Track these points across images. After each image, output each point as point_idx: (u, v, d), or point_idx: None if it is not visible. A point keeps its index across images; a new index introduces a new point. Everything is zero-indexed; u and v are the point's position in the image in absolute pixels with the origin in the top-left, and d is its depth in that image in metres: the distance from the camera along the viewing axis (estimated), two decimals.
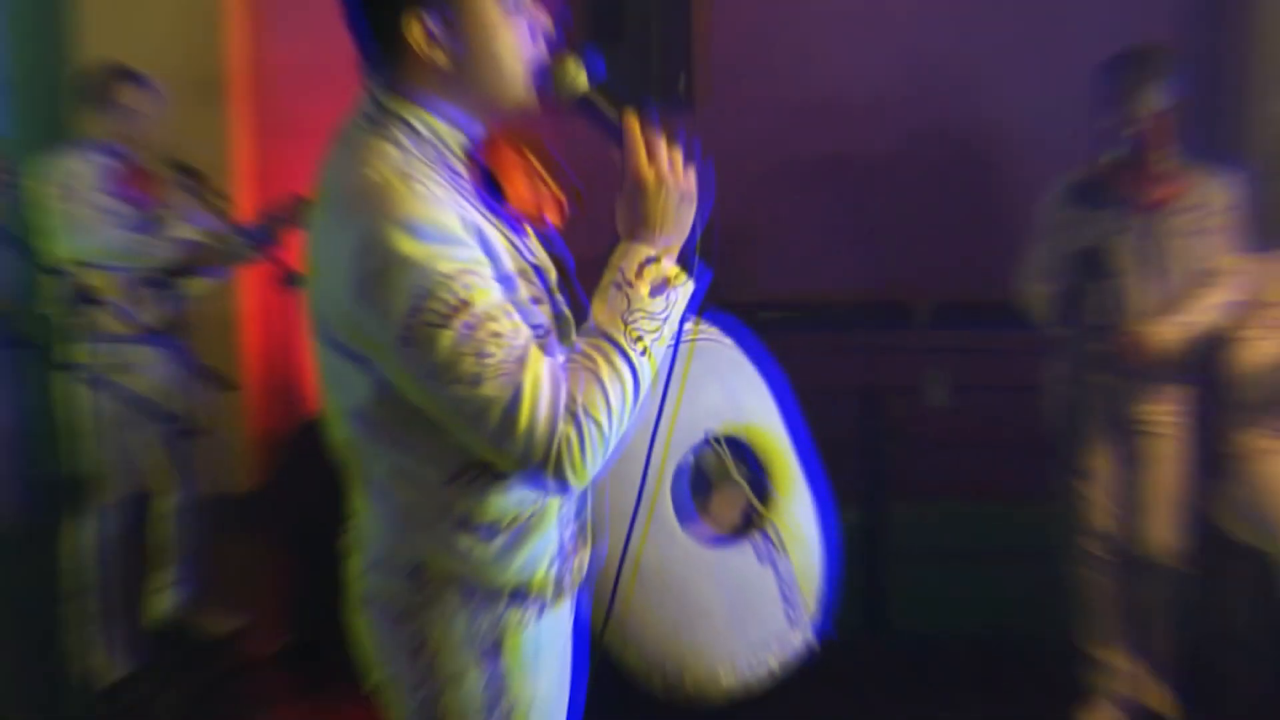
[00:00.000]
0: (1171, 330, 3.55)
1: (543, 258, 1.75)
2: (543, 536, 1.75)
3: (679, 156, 1.66)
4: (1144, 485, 3.70)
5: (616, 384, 1.57)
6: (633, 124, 1.67)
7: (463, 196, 1.62)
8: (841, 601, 4.25)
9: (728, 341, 2.19)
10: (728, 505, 2.16)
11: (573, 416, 1.53)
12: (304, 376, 5.68)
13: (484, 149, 1.72)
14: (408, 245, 1.49)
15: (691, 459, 2.12)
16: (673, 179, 1.64)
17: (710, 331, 2.14)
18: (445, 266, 1.50)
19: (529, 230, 1.75)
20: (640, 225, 1.65)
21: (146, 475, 4.37)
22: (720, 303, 4.89)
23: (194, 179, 4.18)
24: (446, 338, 1.49)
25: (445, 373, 1.51)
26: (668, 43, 4.81)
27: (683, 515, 2.08)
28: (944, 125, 5.21)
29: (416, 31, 1.62)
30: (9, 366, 4.95)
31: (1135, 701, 3.79)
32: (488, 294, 1.52)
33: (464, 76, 1.65)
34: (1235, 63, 5.03)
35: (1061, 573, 3.78)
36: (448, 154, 1.66)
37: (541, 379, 1.52)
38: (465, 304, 1.50)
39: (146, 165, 4.26)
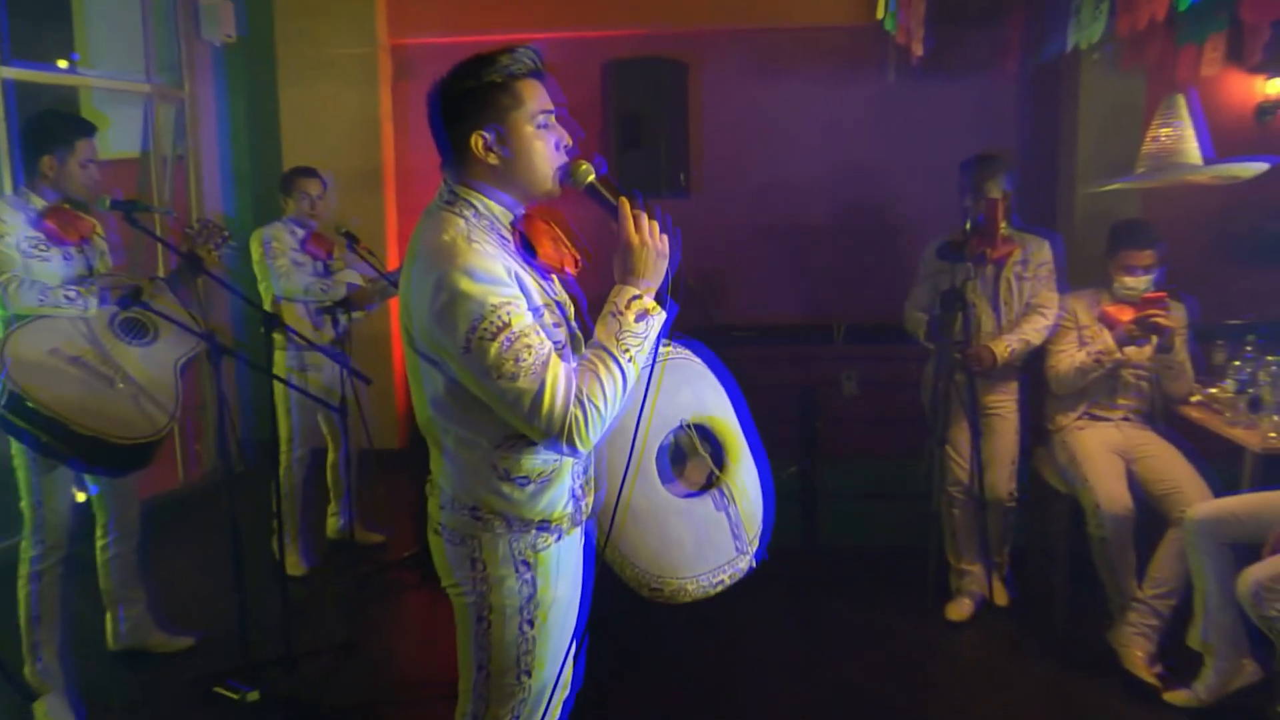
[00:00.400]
0: (1006, 345, 3.55)
1: (563, 296, 1.83)
2: (560, 484, 1.81)
3: (656, 227, 1.71)
4: (990, 449, 3.69)
5: (610, 380, 1.64)
6: (625, 205, 1.73)
7: (508, 253, 1.69)
8: (787, 526, 4.31)
9: (695, 359, 2.21)
10: (695, 471, 2.17)
11: (580, 403, 1.61)
12: None
13: (523, 221, 1.80)
14: (468, 285, 1.59)
15: (671, 439, 2.13)
16: (651, 243, 1.70)
17: (682, 351, 2.17)
18: (494, 300, 1.59)
19: (554, 277, 1.83)
20: (629, 273, 1.71)
21: (321, 438, 4.45)
22: (707, 324, 4.97)
23: (355, 241, 4.20)
24: (494, 348, 1.58)
25: (493, 372, 1.59)
26: (672, 149, 4.82)
27: (664, 476, 2.09)
28: (859, 202, 5.21)
29: (478, 143, 1.72)
30: (228, 369, 4.92)
31: (983, 596, 3.78)
32: (522, 319, 1.61)
33: (510, 173, 1.74)
34: (1053, 161, 5.00)
35: (934, 508, 3.76)
36: (499, 225, 1.75)
37: (559, 377, 1.61)
38: (506, 325, 1.59)
39: (323, 232, 4.29)
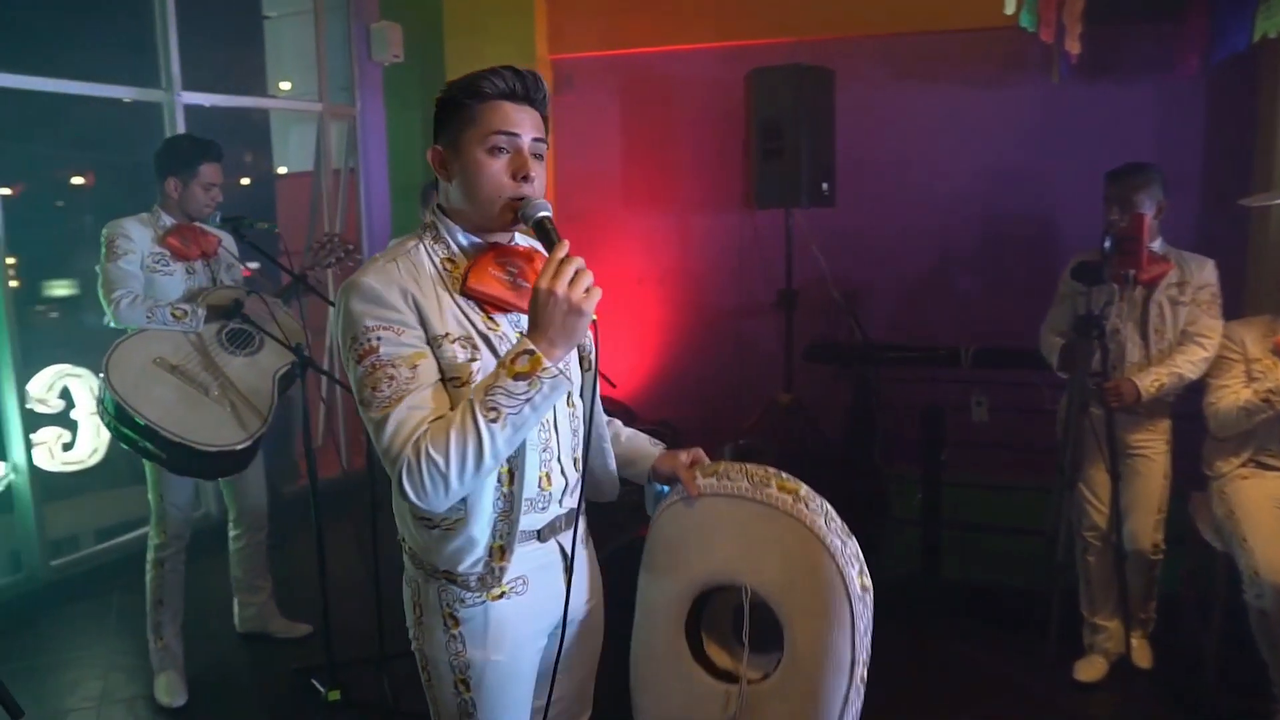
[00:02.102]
0: (1154, 379, 2.99)
1: (502, 331, 1.55)
2: (462, 537, 1.55)
3: (582, 283, 1.39)
4: (1132, 494, 3.13)
5: (459, 437, 1.40)
6: (555, 251, 1.43)
7: (434, 280, 1.51)
8: (907, 554, 3.90)
9: (818, 514, 1.68)
10: (725, 651, 1.82)
11: (416, 449, 1.41)
12: None
13: (476, 256, 1.56)
14: (352, 302, 1.48)
15: (729, 597, 1.77)
16: (563, 295, 1.38)
17: (814, 499, 1.69)
18: (368, 321, 1.46)
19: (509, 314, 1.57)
20: (531, 326, 1.42)
21: None
22: (849, 340, 4.59)
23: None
24: (358, 371, 1.47)
25: (357, 394, 1.48)
26: (815, 158, 4.45)
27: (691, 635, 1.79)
28: (1005, 215, 4.66)
29: (433, 158, 1.58)
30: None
31: (1119, 656, 3.23)
32: (393, 347, 1.45)
33: (461, 196, 1.54)
34: (1242, 172, 4.25)
35: (1058, 555, 3.25)
36: (455, 254, 1.56)
37: (406, 417, 1.43)
38: (373, 349, 1.45)
39: None
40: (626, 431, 1.87)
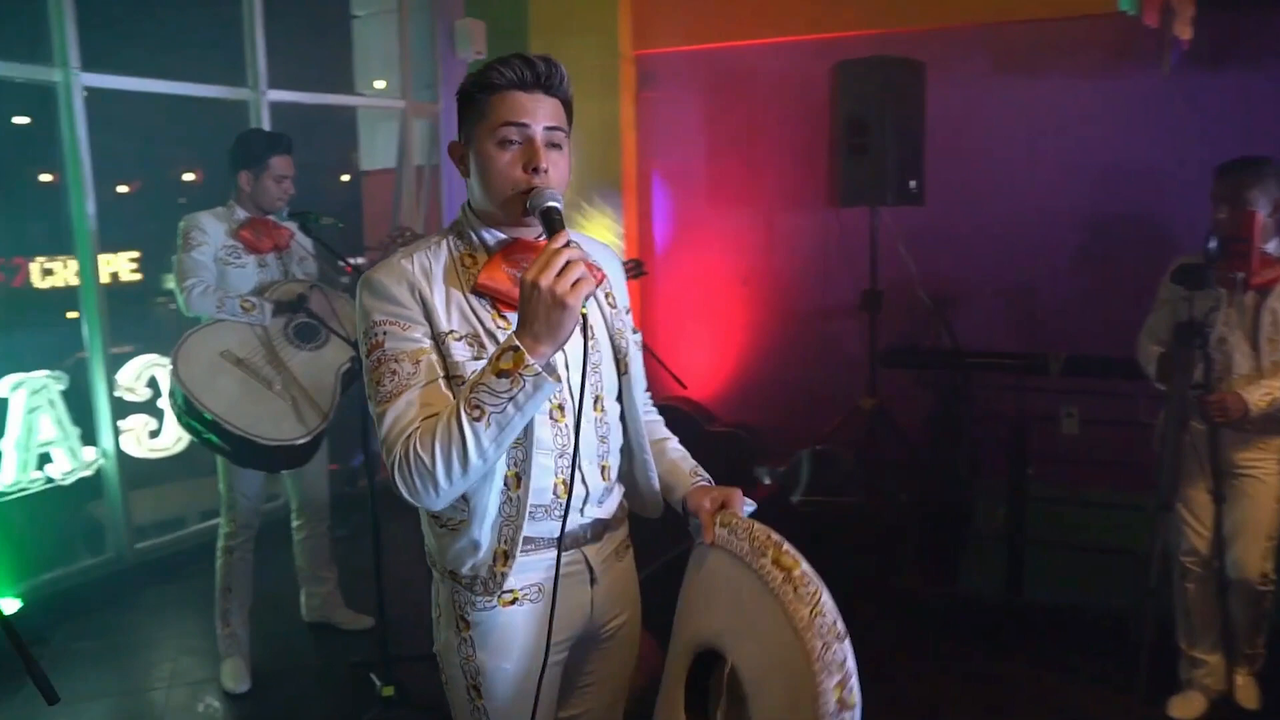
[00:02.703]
0: (1265, 394, 2.72)
1: (512, 329, 1.44)
2: (465, 539, 1.52)
3: (569, 277, 1.30)
4: (1238, 518, 2.87)
5: (444, 434, 1.36)
6: (553, 240, 1.35)
7: (449, 277, 1.49)
8: (989, 571, 3.68)
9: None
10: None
11: (406, 446, 1.38)
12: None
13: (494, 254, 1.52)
14: (363, 297, 1.48)
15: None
16: (548, 288, 1.29)
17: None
18: (376, 315, 1.46)
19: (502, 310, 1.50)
20: (518, 321, 1.35)
21: None
22: (936, 346, 4.38)
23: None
24: (367, 364, 1.47)
25: (366, 386, 1.48)
26: (902, 154, 4.26)
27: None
28: (1097, 216, 4.37)
29: (455, 153, 1.56)
30: None
31: (1221, 694, 2.97)
32: (396, 342, 1.44)
33: (477, 190, 1.51)
34: None
35: (1150, 581, 3.00)
36: (478, 250, 1.53)
37: (401, 411, 1.41)
38: (379, 344, 1.45)
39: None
40: (676, 453, 1.76)
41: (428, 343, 1.45)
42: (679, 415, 4.88)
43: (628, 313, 1.72)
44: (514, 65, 1.46)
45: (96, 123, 3.87)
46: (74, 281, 3.98)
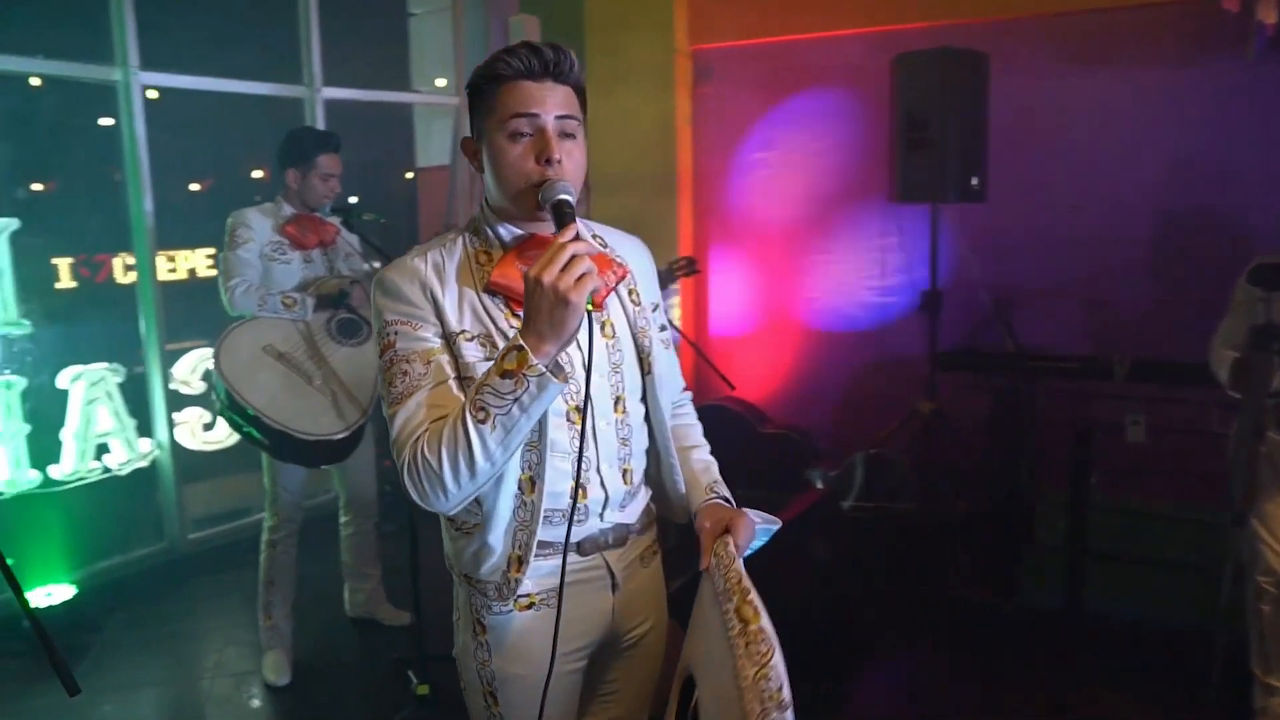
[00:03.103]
0: None
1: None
2: (478, 542, 1.48)
3: (574, 272, 1.25)
4: None
5: (452, 438, 1.32)
6: (560, 234, 1.30)
7: (463, 275, 1.46)
8: (1048, 584, 3.52)
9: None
10: None
11: (415, 449, 1.35)
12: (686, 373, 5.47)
13: (509, 250, 1.48)
14: (376, 296, 1.46)
15: None
16: (549, 283, 1.24)
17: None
18: (388, 315, 1.44)
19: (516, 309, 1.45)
20: (523, 320, 1.30)
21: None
22: (998, 349, 4.22)
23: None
24: (380, 363, 1.45)
25: (379, 386, 1.50)
26: (964, 149, 4.11)
27: None
28: (1172, 213, 4.15)
29: (467, 149, 1.52)
30: None
31: None
32: (407, 342, 1.41)
33: (492, 186, 1.47)
34: None
35: (1221, 602, 2.82)
36: (493, 247, 1.49)
37: (411, 413, 1.38)
38: (391, 344, 1.43)
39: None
40: (699, 463, 1.69)
41: (439, 343, 1.41)
42: (730, 415, 4.79)
43: (655, 309, 1.65)
44: (520, 54, 1.41)
45: (164, 122, 3.95)
46: (162, 277, 4.08)
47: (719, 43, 5.29)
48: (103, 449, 3.89)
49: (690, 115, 5.44)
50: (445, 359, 1.41)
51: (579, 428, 1.47)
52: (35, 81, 4.02)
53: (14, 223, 3.60)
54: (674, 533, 1.75)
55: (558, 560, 1.48)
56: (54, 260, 4.38)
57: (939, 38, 4.20)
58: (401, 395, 1.38)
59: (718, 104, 5.36)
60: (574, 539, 1.51)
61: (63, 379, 3.78)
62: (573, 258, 1.26)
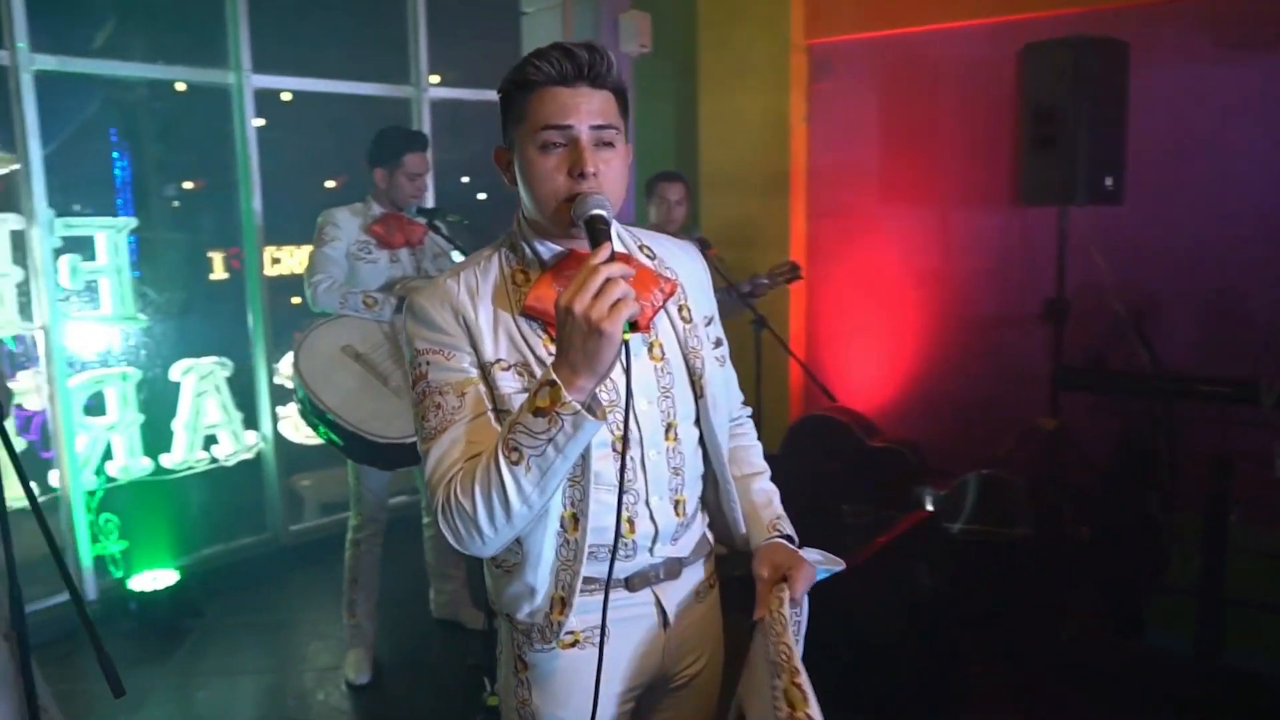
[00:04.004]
0: None
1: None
2: (519, 582, 1.38)
3: (607, 299, 1.13)
4: None
5: (485, 481, 1.22)
6: (593, 255, 1.18)
7: (499, 297, 1.35)
8: (1178, 631, 3.18)
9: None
10: None
11: (448, 490, 1.26)
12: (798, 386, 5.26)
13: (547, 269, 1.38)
14: (408, 321, 1.38)
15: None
16: (580, 312, 1.13)
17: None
18: (419, 344, 1.34)
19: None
20: (556, 350, 1.20)
21: None
22: (1130, 369, 3.86)
23: (705, 249, 3.88)
24: (414, 396, 1.35)
25: (414, 418, 1.35)
26: (1098, 147, 3.76)
27: None
28: None
29: (500, 160, 1.40)
30: None
31: None
32: (441, 373, 1.32)
33: (526, 201, 1.35)
34: None
35: None
36: (530, 265, 1.38)
37: (445, 450, 1.28)
38: (423, 375, 1.33)
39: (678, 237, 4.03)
40: (760, 494, 1.57)
41: (475, 372, 1.32)
42: (836, 426, 4.57)
43: (709, 324, 1.52)
44: (552, 57, 1.29)
45: (283, 121, 4.04)
46: (299, 270, 4.18)
47: (836, 36, 5.06)
48: (211, 440, 4.01)
49: (805, 112, 5.23)
50: (481, 390, 1.31)
51: (626, 457, 1.36)
52: (180, 87, 4.19)
53: (132, 221, 3.75)
54: (734, 561, 1.62)
55: (601, 598, 1.36)
56: (209, 253, 4.58)
57: (1071, 26, 3.86)
58: (435, 431, 1.29)
59: (833, 100, 5.13)
60: (622, 575, 1.40)
61: (175, 372, 3.91)
62: (606, 281, 1.14)
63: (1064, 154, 3.80)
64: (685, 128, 5.65)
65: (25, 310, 3.52)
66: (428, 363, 1.32)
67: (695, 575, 1.51)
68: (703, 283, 1.55)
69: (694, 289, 1.51)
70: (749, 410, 1.71)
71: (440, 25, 4.56)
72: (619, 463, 1.34)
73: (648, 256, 1.48)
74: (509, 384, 1.31)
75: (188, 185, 4.85)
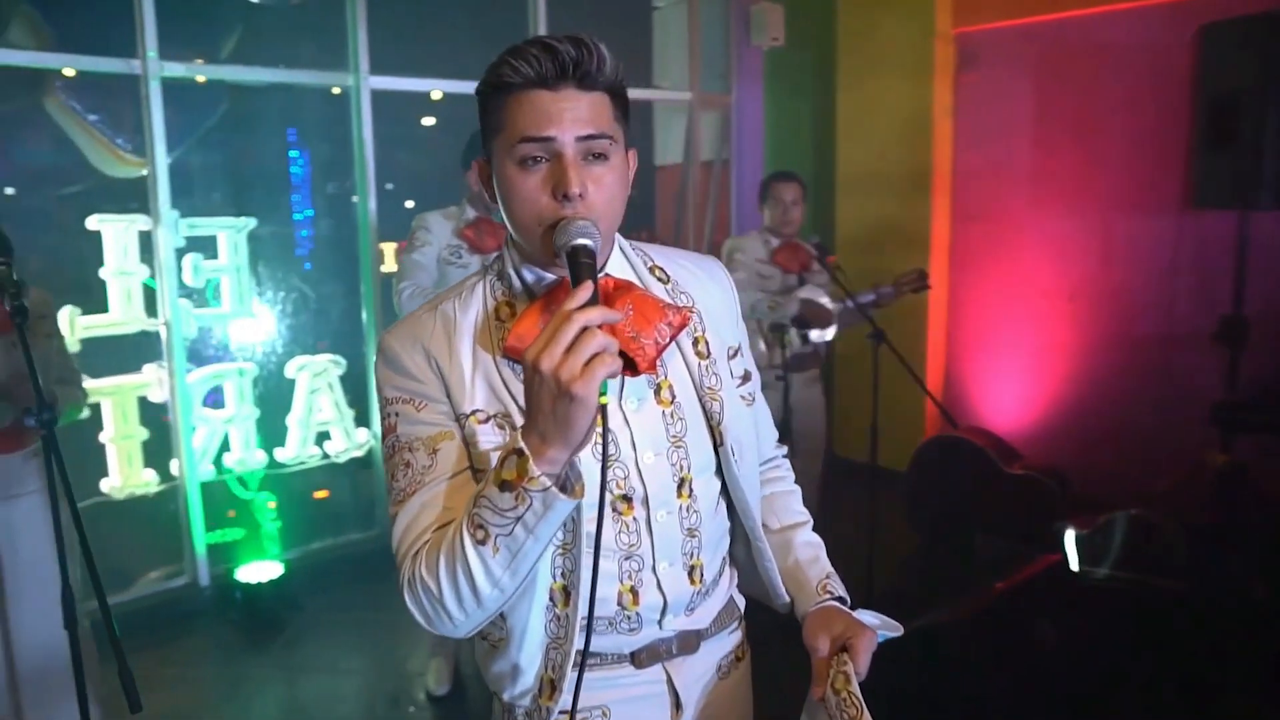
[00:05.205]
0: None
1: None
2: (505, 661, 1.19)
3: (582, 349, 0.94)
4: None
5: (450, 559, 1.05)
6: (570, 297, 0.98)
7: (479, 334, 1.16)
8: None
9: None
10: None
11: (414, 566, 1.08)
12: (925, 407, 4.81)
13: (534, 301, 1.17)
14: (378, 364, 1.19)
15: None
16: (549, 371, 0.95)
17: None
18: (388, 391, 1.16)
19: None
20: (526, 413, 1.01)
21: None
22: None
23: (822, 255, 3.58)
24: (382, 450, 1.18)
25: (385, 477, 1.18)
26: None
27: None
28: None
29: (480, 175, 1.19)
30: None
31: None
32: (410, 426, 1.13)
33: (506, 220, 1.15)
34: None
35: None
36: (517, 296, 1.18)
37: (413, 517, 1.10)
38: (392, 428, 1.15)
39: (796, 242, 3.73)
40: (805, 550, 1.34)
41: (450, 424, 1.14)
42: (970, 450, 4.14)
43: (734, 356, 1.29)
44: (530, 55, 1.07)
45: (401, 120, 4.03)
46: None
47: (986, 23, 4.61)
48: (324, 436, 4.06)
49: (950, 106, 4.80)
50: (456, 445, 1.13)
51: (629, 518, 1.17)
52: (336, 91, 4.26)
53: (251, 222, 3.82)
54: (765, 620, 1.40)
55: (609, 672, 1.20)
56: (381, 245, 4.67)
57: (1256, 2, 3.32)
58: (403, 494, 1.12)
59: (982, 93, 4.67)
60: (627, 649, 1.21)
61: (290, 368, 3.97)
62: (582, 332, 0.94)
63: (1246, 150, 3.31)
64: (821, 124, 5.31)
65: (150, 307, 3.64)
66: (396, 414, 1.15)
67: (719, 648, 1.30)
68: (726, 308, 1.31)
69: (715, 317, 1.28)
70: (783, 450, 1.47)
71: (564, 22, 4.44)
72: (618, 525, 1.16)
73: (659, 280, 1.26)
74: (489, 438, 1.12)
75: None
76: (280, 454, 3.96)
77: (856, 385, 3.52)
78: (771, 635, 1.61)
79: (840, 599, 1.27)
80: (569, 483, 1.02)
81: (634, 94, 4.60)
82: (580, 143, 1.08)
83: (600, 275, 1.14)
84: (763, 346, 3.71)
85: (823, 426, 3.84)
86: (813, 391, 3.77)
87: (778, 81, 5.26)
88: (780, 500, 1.40)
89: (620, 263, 1.23)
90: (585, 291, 0.98)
